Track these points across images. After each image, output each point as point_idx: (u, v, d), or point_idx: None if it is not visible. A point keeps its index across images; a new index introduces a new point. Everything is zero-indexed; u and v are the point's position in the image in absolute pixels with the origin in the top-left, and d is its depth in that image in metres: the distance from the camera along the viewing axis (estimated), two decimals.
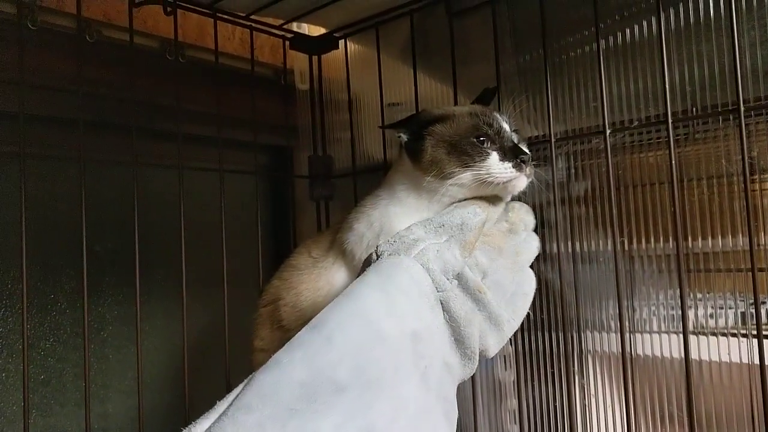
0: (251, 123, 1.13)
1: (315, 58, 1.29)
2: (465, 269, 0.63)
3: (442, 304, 0.61)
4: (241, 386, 0.51)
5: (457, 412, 0.59)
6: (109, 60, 1.06)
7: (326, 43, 1.26)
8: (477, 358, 0.63)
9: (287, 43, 1.27)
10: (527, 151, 0.77)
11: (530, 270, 0.72)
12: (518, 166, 0.74)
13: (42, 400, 1.04)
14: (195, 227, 1.04)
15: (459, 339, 0.61)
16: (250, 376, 0.51)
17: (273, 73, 1.35)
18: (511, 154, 0.75)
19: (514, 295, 0.69)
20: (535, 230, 0.77)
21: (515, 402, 1.05)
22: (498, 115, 0.79)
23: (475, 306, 0.64)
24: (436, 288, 0.60)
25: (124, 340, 1.13)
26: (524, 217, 0.75)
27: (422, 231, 0.66)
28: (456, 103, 0.98)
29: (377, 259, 0.63)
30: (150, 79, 1.10)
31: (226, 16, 1.10)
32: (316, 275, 0.87)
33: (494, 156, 0.75)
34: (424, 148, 0.78)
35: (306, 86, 1.32)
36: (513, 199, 0.79)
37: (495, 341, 0.65)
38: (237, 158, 1.14)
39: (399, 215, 0.81)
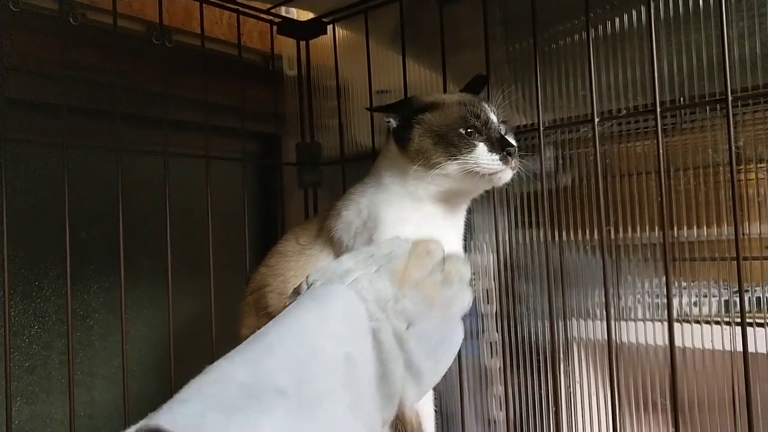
0: (239, 109, 1.12)
1: (303, 43, 1.28)
2: (390, 315, 0.63)
3: (373, 333, 0.60)
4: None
5: None
6: (93, 44, 1.04)
7: (315, 29, 1.25)
8: (396, 402, 0.62)
9: (275, 27, 1.25)
10: (514, 143, 0.77)
11: (460, 322, 0.71)
12: (504, 159, 0.75)
13: (27, 387, 1.03)
14: (181, 214, 1.03)
15: (384, 375, 0.60)
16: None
17: (261, 58, 1.33)
18: (498, 146, 0.75)
19: (439, 344, 0.67)
20: (471, 283, 0.74)
21: (501, 389, 1.06)
22: (486, 106, 0.79)
23: (401, 352, 0.63)
24: (369, 317, 0.60)
25: (110, 328, 1.12)
26: (460, 268, 0.72)
27: (352, 262, 0.66)
28: (445, 91, 0.98)
29: (308, 288, 0.64)
30: (135, 63, 1.08)
31: (213, 0, 1.09)
32: (304, 262, 0.87)
33: (481, 148, 0.75)
34: (411, 137, 0.78)
35: (294, 72, 1.31)
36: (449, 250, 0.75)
37: (414, 392, 0.64)
38: (224, 145, 1.13)
39: (386, 202, 0.81)
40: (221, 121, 1.10)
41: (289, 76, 1.33)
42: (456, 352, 0.69)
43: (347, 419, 0.54)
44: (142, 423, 0.45)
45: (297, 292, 0.65)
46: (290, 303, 0.63)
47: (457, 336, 0.70)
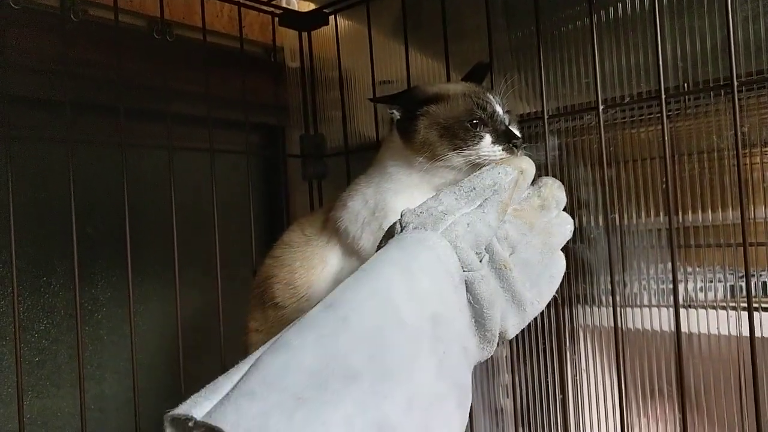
0: (241, 102, 1.12)
1: (305, 35, 1.28)
2: (494, 241, 0.59)
3: (466, 284, 0.56)
4: (245, 364, 0.47)
5: (470, 398, 0.55)
6: (95, 40, 1.04)
7: (316, 19, 1.24)
8: (496, 341, 0.59)
9: (276, 19, 1.25)
10: (519, 134, 0.77)
11: (561, 253, 0.66)
12: (509, 150, 0.75)
13: (38, 381, 1.04)
14: (187, 208, 1.03)
15: (480, 321, 0.57)
16: (258, 355, 0.47)
17: (263, 50, 1.33)
18: (503, 137, 0.75)
19: (540, 276, 0.63)
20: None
21: (508, 377, 1.06)
22: (491, 97, 0.79)
23: (499, 283, 0.59)
24: (462, 267, 0.56)
25: (118, 321, 1.13)
26: (556, 193, 0.67)
27: (452, 199, 0.60)
28: (448, 80, 0.98)
29: (401, 230, 0.58)
30: (137, 58, 1.08)
31: None
32: (310, 253, 0.88)
33: (486, 139, 0.75)
34: (416, 129, 0.78)
35: (296, 64, 1.30)
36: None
37: (515, 322, 0.61)
38: (228, 138, 1.13)
39: (392, 192, 0.81)
40: (224, 114, 1.10)
41: (291, 68, 1.32)
42: (557, 285, 0.65)
43: (431, 383, 0.49)
44: (196, 413, 0.41)
45: (390, 233, 0.60)
46: (380, 248, 0.58)
47: (559, 266, 0.65)
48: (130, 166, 0.96)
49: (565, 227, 0.66)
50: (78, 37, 1.02)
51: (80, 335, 0.90)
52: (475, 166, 0.75)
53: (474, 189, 0.60)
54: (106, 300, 1.13)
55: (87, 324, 1.09)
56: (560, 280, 0.65)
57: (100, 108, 1.03)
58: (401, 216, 0.59)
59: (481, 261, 0.58)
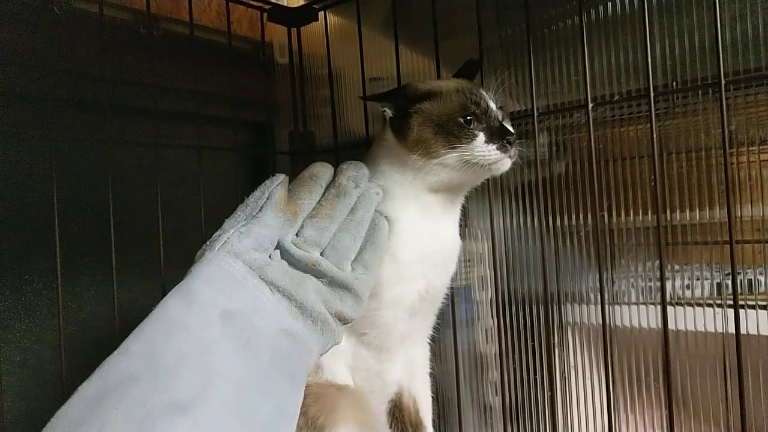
0: (229, 98, 1.11)
1: (294, 30, 1.27)
2: (291, 248, 0.66)
3: (262, 279, 0.62)
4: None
5: (305, 377, 0.64)
6: (79, 33, 1.02)
7: (305, 15, 1.23)
8: (331, 322, 0.66)
9: (265, 15, 1.24)
10: (512, 130, 0.77)
11: (380, 217, 0.74)
12: (503, 148, 0.75)
13: (19, 382, 1.02)
14: (174, 206, 1.02)
15: (299, 305, 0.63)
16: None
17: (251, 46, 1.32)
18: (497, 134, 0.75)
19: (362, 251, 0.71)
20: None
21: (497, 374, 1.07)
22: (484, 93, 0.79)
23: (313, 275, 0.66)
24: (251, 267, 0.62)
25: (103, 320, 1.11)
26: (353, 174, 0.73)
27: (229, 222, 0.67)
28: (439, 77, 0.97)
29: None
30: (123, 53, 1.06)
31: None
32: None
33: (480, 138, 0.75)
34: (410, 126, 0.77)
35: (285, 60, 1.29)
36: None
37: (350, 303, 0.68)
38: (216, 135, 1.12)
39: (383, 189, 0.80)
40: (212, 110, 1.09)
41: (280, 64, 1.31)
42: (385, 240, 0.73)
43: (239, 364, 0.57)
44: None
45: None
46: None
47: (380, 233, 0.73)
48: (116, 162, 0.95)
49: (371, 197, 0.73)
50: (61, 30, 1.00)
51: (63, 334, 0.88)
52: (470, 165, 0.75)
53: (247, 205, 0.68)
54: (90, 298, 1.11)
55: (70, 323, 1.07)
56: (386, 237, 0.73)
57: (84, 103, 1.01)
58: (195, 257, 0.66)
59: (270, 257, 0.65)
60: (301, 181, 0.72)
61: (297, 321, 0.63)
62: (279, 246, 0.66)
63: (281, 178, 0.70)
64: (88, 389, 0.53)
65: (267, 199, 0.68)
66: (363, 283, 0.69)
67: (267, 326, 0.61)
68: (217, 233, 0.66)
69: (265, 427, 0.57)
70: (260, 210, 0.67)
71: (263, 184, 0.70)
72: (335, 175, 0.74)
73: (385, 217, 0.75)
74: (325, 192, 0.72)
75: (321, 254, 0.68)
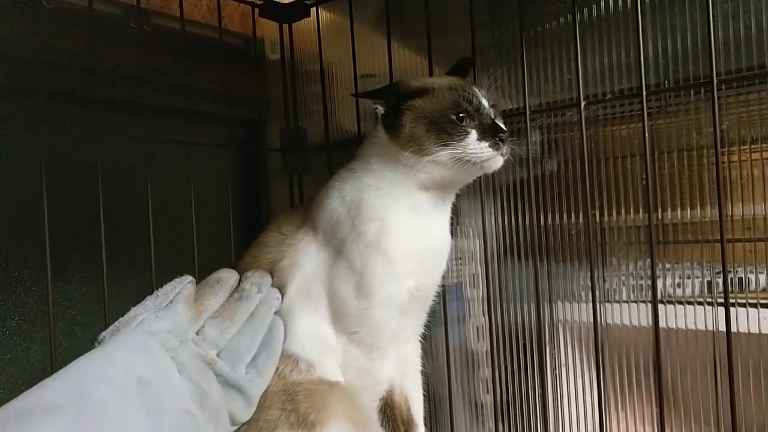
0: (221, 94, 1.10)
1: (286, 26, 1.26)
2: (192, 339, 0.69)
3: (173, 359, 0.66)
4: None
5: None
6: (68, 27, 1.01)
7: (297, 11, 1.23)
8: (226, 418, 0.70)
9: (257, 10, 1.23)
10: (505, 128, 0.77)
11: (278, 321, 0.79)
12: (495, 145, 0.75)
13: (9, 379, 1.01)
14: (165, 202, 1.01)
15: (202, 393, 0.67)
16: None
17: (243, 42, 1.31)
18: (489, 132, 0.75)
19: (258, 356, 0.75)
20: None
21: (488, 372, 1.07)
22: (477, 91, 0.79)
23: (208, 372, 0.69)
24: (164, 346, 0.66)
25: (93, 318, 1.11)
26: (257, 281, 0.79)
27: (140, 308, 0.70)
28: (431, 74, 0.97)
29: (97, 347, 0.67)
30: (113, 48, 1.05)
31: None
32: (284, 252, 0.86)
33: (473, 135, 0.75)
34: (402, 123, 0.77)
35: (277, 56, 1.29)
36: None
37: (240, 405, 0.71)
38: (207, 131, 1.11)
39: (373, 188, 0.80)
40: (203, 106, 1.08)
41: (272, 61, 1.31)
42: (280, 345, 0.77)
43: (146, 430, 0.59)
44: None
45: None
46: None
47: (277, 339, 0.78)
48: (106, 158, 0.94)
49: (272, 302, 0.79)
50: (50, 24, 0.99)
51: (53, 332, 0.88)
52: (463, 163, 0.74)
53: (158, 296, 0.72)
54: (80, 295, 1.10)
55: (60, 320, 1.07)
56: (280, 345, 0.78)
57: (74, 98, 1.00)
58: (99, 336, 0.69)
59: (181, 341, 0.68)
60: (207, 284, 0.77)
61: (197, 407, 0.66)
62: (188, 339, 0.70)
63: (190, 278, 0.75)
64: (9, 410, 0.54)
65: (178, 293, 0.72)
66: (255, 386, 0.73)
67: (174, 403, 0.64)
68: (128, 315, 0.70)
69: None
70: (172, 302, 0.71)
71: (173, 280, 0.75)
72: (240, 280, 0.80)
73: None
74: (229, 296, 0.77)
75: (218, 355, 0.71)
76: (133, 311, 0.71)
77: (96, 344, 0.68)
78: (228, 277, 0.79)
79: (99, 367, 0.61)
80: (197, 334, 0.71)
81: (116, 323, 0.69)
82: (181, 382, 0.66)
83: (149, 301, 0.72)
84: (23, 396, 0.56)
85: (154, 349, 0.65)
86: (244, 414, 0.72)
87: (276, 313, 0.80)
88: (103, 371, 0.61)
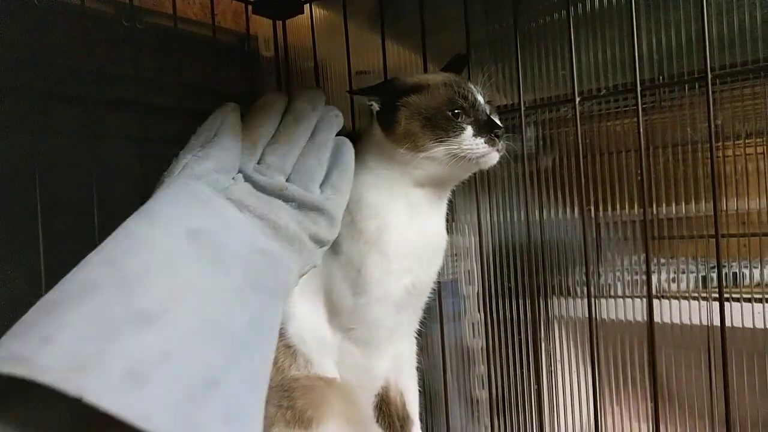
0: (214, 92, 1.10)
1: (279, 23, 1.25)
2: (255, 175, 0.64)
3: (229, 200, 0.61)
4: None
5: (285, 294, 0.62)
6: (60, 25, 1.00)
7: (291, 8, 1.22)
8: (307, 242, 0.64)
9: (250, 7, 1.22)
10: (500, 124, 0.77)
11: (345, 141, 0.72)
12: (491, 141, 0.74)
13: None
14: None
15: (272, 225, 0.62)
16: None
17: (236, 39, 1.30)
18: (485, 128, 0.75)
19: (329, 173, 0.69)
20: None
21: (483, 368, 1.07)
22: (472, 87, 0.79)
23: (280, 201, 0.64)
24: (213, 188, 0.61)
25: None
26: (308, 97, 0.72)
27: (181, 153, 0.65)
28: (426, 71, 0.97)
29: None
30: (105, 46, 1.04)
31: None
32: None
33: (468, 131, 0.75)
34: (397, 120, 0.77)
35: (271, 53, 1.28)
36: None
37: (323, 225, 0.66)
38: None
39: (370, 186, 0.80)
40: (197, 104, 1.07)
41: (265, 58, 1.30)
42: (351, 162, 0.71)
43: (208, 279, 0.54)
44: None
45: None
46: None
47: (346, 155, 0.71)
48: (99, 157, 0.93)
49: (330, 120, 0.72)
50: (41, 22, 0.99)
51: None
52: (458, 159, 0.74)
53: (200, 133, 0.66)
54: None
55: None
56: (352, 163, 0.71)
57: (66, 97, 1.00)
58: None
59: (234, 178, 0.63)
60: (255, 110, 0.70)
61: (271, 241, 0.61)
62: (242, 174, 0.64)
63: (232, 105, 0.69)
64: (46, 298, 0.51)
65: (221, 124, 0.66)
66: (335, 204, 0.68)
67: (239, 245, 0.59)
68: (173, 165, 0.64)
69: (240, 339, 0.54)
70: (215, 135, 0.65)
71: (214, 112, 0.68)
72: (290, 101, 0.72)
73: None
74: (282, 119, 0.70)
75: (287, 180, 0.66)
76: (178, 157, 0.65)
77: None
78: (276, 99, 0.72)
79: (140, 231, 0.55)
80: (258, 163, 0.65)
81: (164, 174, 0.64)
82: (244, 220, 0.61)
83: (193, 141, 0.66)
84: (65, 279, 0.52)
85: (204, 194, 0.60)
86: (329, 233, 0.67)
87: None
88: (145, 235, 0.55)
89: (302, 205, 0.65)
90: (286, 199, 0.64)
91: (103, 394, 0.43)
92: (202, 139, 0.65)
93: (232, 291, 0.56)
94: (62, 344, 0.45)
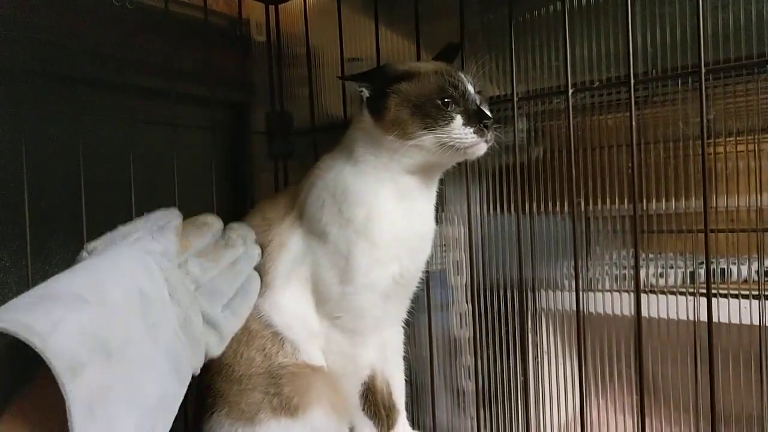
0: (205, 76, 1.08)
1: (272, 8, 1.24)
2: (177, 276, 0.70)
3: (166, 280, 0.68)
4: None
5: (186, 385, 0.68)
6: (50, 6, 0.99)
7: None
8: (202, 351, 0.71)
9: None
10: (490, 114, 0.76)
11: (255, 274, 0.82)
12: (480, 132, 0.74)
13: None
14: (147, 184, 1.00)
15: (187, 319, 0.69)
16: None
17: (228, 23, 1.29)
18: (474, 118, 0.75)
19: (234, 299, 0.77)
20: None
21: (470, 359, 1.07)
22: (463, 76, 0.78)
23: (196, 302, 0.72)
24: (159, 266, 0.67)
25: None
26: (243, 233, 0.82)
27: (131, 227, 0.73)
28: (419, 59, 0.96)
29: (87, 256, 0.69)
30: (95, 26, 1.03)
31: None
32: (271, 237, 0.86)
33: (457, 120, 0.75)
34: (387, 107, 0.76)
35: (263, 38, 1.27)
36: None
37: (215, 340, 0.73)
38: (191, 113, 1.10)
39: (356, 174, 0.80)
40: (187, 88, 1.06)
41: (257, 42, 1.29)
42: (255, 294, 0.80)
43: (145, 341, 0.61)
44: None
45: (78, 260, 0.69)
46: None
47: (254, 286, 0.80)
48: (87, 138, 0.92)
49: (251, 255, 0.82)
50: (32, 2, 0.97)
51: None
52: (446, 148, 0.74)
53: (148, 220, 0.74)
54: None
55: None
56: (256, 295, 0.80)
57: (55, 77, 0.98)
58: (86, 245, 0.70)
59: (172, 267, 0.70)
60: (194, 224, 0.79)
61: (183, 332, 0.68)
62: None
63: (177, 212, 0.78)
64: (43, 285, 0.58)
65: (168, 222, 0.74)
66: (229, 324, 0.75)
67: (166, 321, 0.66)
68: (119, 231, 0.72)
69: (148, 412, 0.60)
70: (163, 228, 0.73)
71: (162, 211, 0.77)
72: (225, 230, 0.82)
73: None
74: (215, 241, 0.79)
75: (195, 290, 0.73)
76: (124, 228, 0.72)
77: (85, 253, 0.69)
78: (214, 222, 0.82)
79: (110, 273, 0.63)
80: (178, 267, 0.72)
81: (107, 235, 0.71)
82: (171, 304, 0.67)
83: (140, 223, 0.74)
84: (49, 282, 0.59)
85: (152, 268, 0.67)
86: (217, 349, 0.74)
87: (255, 268, 0.83)
88: (115, 277, 0.62)
89: (206, 318, 0.73)
90: (197, 306, 0.72)
91: (77, 410, 0.50)
92: (149, 226, 0.73)
93: (154, 361, 0.62)
94: (66, 338, 0.52)
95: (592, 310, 0.96)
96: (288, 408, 0.79)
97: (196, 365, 0.71)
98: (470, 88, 0.77)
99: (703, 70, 0.73)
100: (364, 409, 0.86)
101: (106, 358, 0.55)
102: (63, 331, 0.52)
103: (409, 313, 0.91)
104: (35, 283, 0.95)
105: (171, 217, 0.76)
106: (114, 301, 0.59)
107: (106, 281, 0.61)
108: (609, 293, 0.95)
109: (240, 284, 0.79)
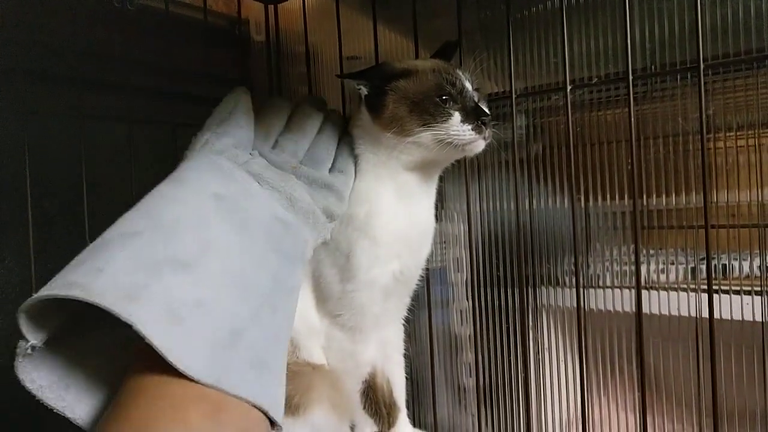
0: (205, 76, 1.09)
1: (271, 7, 1.24)
2: (271, 154, 0.70)
3: (248, 172, 0.67)
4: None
5: (302, 262, 0.68)
6: (51, 6, 1.00)
7: None
8: (320, 215, 0.71)
9: None
10: (488, 111, 0.76)
11: (344, 135, 0.80)
12: (478, 129, 0.74)
13: None
14: (148, 183, 1.00)
15: (288, 197, 0.68)
16: None
17: (227, 23, 1.29)
18: (472, 115, 0.75)
19: (336, 161, 0.76)
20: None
21: (471, 356, 1.07)
22: (461, 73, 0.79)
23: (294, 177, 0.70)
24: (233, 162, 0.66)
25: None
26: (314, 101, 0.81)
27: (200, 131, 0.71)
28: (417, 57, 0.96)
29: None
30: (96, 27, 1.04)
31: None
32: None
33: (455, 117, 0.75)
34: (385, 104, 0.77)
35: (262, 37, 1.27)
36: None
37: (333, 200, 0.73)
38: (191, 112, 1.09)
39: (359, 171, 0.80)
40: (187, 87, 1.07)
41: (256, 42, 1.29)
42: (352, 153, 0.78)
43: (232, 237, 0.59)
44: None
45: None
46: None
47: (347, 143, 0.79)
48: (89, 138, 0.93)
49: (337, 118, 0.80)
50: (32, 3, 0.98)
51: None
52: (444, 145, 0.74)
53: (215, 115, 0.72)
54: None
55: None
56: (353, 155, 0.78)
57: (56, 77, 0.99)
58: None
59: (251, 154, 0.70)
60: (266, 108, 0.76)
61: (288, 212, 0.67)
62: (258, 152, 0.70)
63: (243, 88, 0.75)
64: (89, 247, 0.55)
65: (234, 105, 0.72)
66: (342, 182, 0.74)
67: (259, 212, 0.64)
68: (193, 141, 0.69)
69: (264, 296, 0.58)
70: (230, 115, 0.70)
71: (226, 96, 0.74)
72: (296, 104, 0.79)
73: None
74: (291, 116, 0.77)
75: (299, 163, 0.72)
76: (195, 138, 0.71)
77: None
78: (283, 101, 0.80)
79: (171, 192, 0.61)
80: (273, 147, 0.72)
81: (184, 153, 0.70)
82: (263, 192, 0.66)
83: (209, 122, 0.72)
84: (104, 233, 0.58)
85: (226, 166, 0.65)
86: (339, 208, 0.74)
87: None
88: (175, 195, 0.61)
89: (313, 183, 0.71)
90: (299, 176, 0.71)
91: (147, 324, 0.47)
92: (218, 119, 0.71)
93: (256, 251, 0.61)
94: (113, 275, 0.50)
95: (592, 306, 0.96)
96: (289, 407, 0.79)
97: (319, 235, 0.72)
98: (468, 86, 0.77)
99: (702, 66, 0.73)
100: (364, 407, 0.86)
101: (182, 268, 0.53)
102: (108, 272, 0.50)
103: (410, 310, 0.91)
104: (39, 284, 0.97)
105: (237, 98, 0.73)
106: (173, 221, 0.57)
107: (163, 205, 0.60)
108: (610, 289, 0.95)
109: (335, 146, 0.78)
